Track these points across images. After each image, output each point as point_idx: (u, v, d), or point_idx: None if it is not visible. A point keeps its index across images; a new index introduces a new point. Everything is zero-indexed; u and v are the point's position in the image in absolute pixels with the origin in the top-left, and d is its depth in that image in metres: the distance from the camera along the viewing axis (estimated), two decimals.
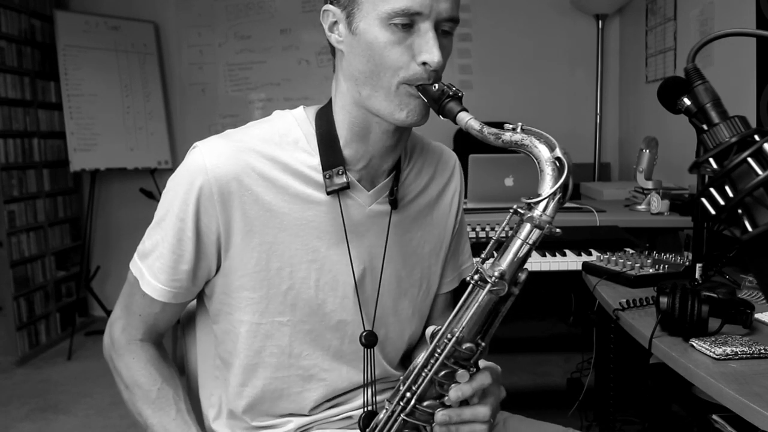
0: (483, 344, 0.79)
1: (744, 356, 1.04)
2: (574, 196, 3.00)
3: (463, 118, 0.80)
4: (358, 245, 0.94)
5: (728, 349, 1.05)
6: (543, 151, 0.74)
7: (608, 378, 1.96)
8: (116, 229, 4.11)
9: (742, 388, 0.93)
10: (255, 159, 0.88)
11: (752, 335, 1.16)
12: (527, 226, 0.75)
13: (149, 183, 3.88)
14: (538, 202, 0.74)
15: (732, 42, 2.30)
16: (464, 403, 0.82)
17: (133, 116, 3.87)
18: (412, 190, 1.00)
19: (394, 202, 0.96)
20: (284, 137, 0.91)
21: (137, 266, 0.93)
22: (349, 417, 1.00)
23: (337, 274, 0.94)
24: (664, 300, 1.15)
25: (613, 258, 1.65)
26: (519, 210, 0.76)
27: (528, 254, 0.76)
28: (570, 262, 1.96)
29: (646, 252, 1.71)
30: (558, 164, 0.74)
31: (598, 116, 3.75)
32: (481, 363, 0.84)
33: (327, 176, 0.90)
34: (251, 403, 0.97)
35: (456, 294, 1.15)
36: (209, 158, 0.87)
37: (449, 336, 0.78)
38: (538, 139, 0.75)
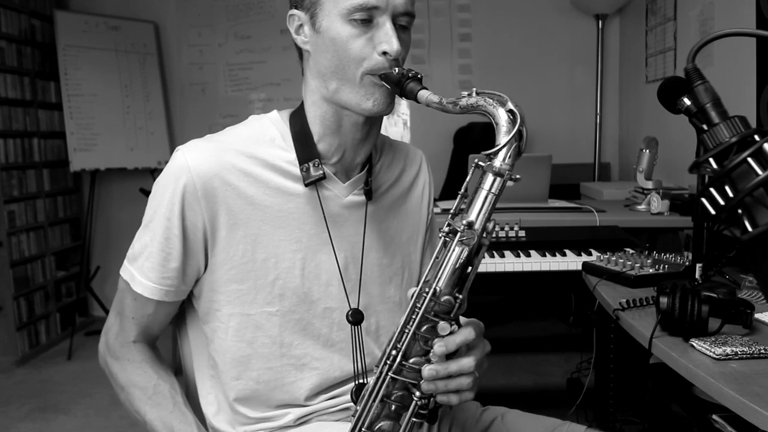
0: (461, 297, 0.81)
1: (744, 356, 1.04)
2: (574, 196, 3.00)
3: (424, 94, 0.85)
4: (338, 235, 0.99)
5: (728, 349, 1.05)
6: (497, 108, 0.79)
7: (608, 378, 1.96)
8: (116, 229, 4.11)
9: (742, 388, 0.93)
10: (235, 156, 0.93)
11: (752, 335, 1.16)
12: (489, 176, 0.79)
13: (149, 183, 3.88)
14: (497, 152, 0.78)
15: (732, 42, 2.30)
16: (450, 357, 0.82)
17: (133, 116, 3.87)
18: (384, 182, 1.06)
19: (368, 193, 1.01)
20: (261, 136, 0.97)
21: (127, 270, 0.97)
22: (347, 408, 1.02)
23: (320, 263, 0.98)
24: (664, 300, 1.16)
25: (613, 258, 1.65)
26: (480, 163, 0.79)
27: (494, 203, 0.79)
28: (570, 262, 1.96)
29: (646, 252, 1.71)
30: (511, 116, 0.78)
31: (598, 116, 3.75)
32: (463, 320, 0.85)
33: (304, 169, 0.95)
34: (247, 395, 0.99)
35: None
36: (191, 158, 0.91)
37: (426, 290, 0.80)
38: (492, 98, 0.80)
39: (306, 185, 0.95)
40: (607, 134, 3.87)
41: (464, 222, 0.78)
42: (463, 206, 0.81)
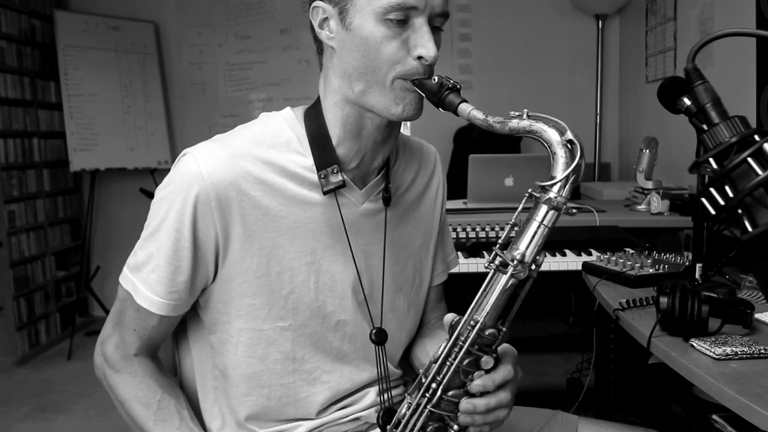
0: (504, 329, 0.79)
1: (744, 356, 1.04)
2: (574, 196, 3.00)
3: (465, 109, 0.80)
4: (353, 244, 0.94)
5: (728, 349, 1.04)
6: (553, 135, 0.74)
7: (608, 378, 1.96)
8: (116, 229, 4.11)
9: (742, 388, 0.93)
10: (250, 163, 0.87)
11: (752, 335, 1.16)
12: (543, 208, 0.75)
13: (149, 183, 3.88)
14: (553, 185, 0.74)
15: (732, 42, 2.30)
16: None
17: (133, 116, 3.87)
18: (400, 186, 1.01)
19: (387, 200, 0.96)
20: (275, 139, 0.90)
21: (129, 280, 0.91)
22: (357, 418, 1.00)
23: (334, 275, 0.94)
24: (664, 300, 1.15)
25: (613, 258, 1.65)
26: (534, 194, 0.76)
27: (545, 236, 0.76)
28: (570, 262, 1.96)
29: (646, 252, 1.71)
30: (570, 146, 0.74)
31: (598, 116, 3.75)
32: (499, 348, 0.84)
33: (322, 176, 0.89)
34: (257, 411, 0.95)
35: (445, 288, 1.17)
36: (204, 165, 0.85)
37: (472, 323, 0.78)
38: (546, 124, 0.75)
39: (324, 193, 0.90)
40: (607, 134, 3.87)
41: (516, 256, 0.75)
42: (511, 236, 0.78)
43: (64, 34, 3.65)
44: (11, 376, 3.24)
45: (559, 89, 3.89)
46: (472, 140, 3.69)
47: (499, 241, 0.78)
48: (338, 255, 0.93)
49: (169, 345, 1.07)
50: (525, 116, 0.76)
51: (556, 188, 0.75)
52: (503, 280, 0.77)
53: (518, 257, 0.75)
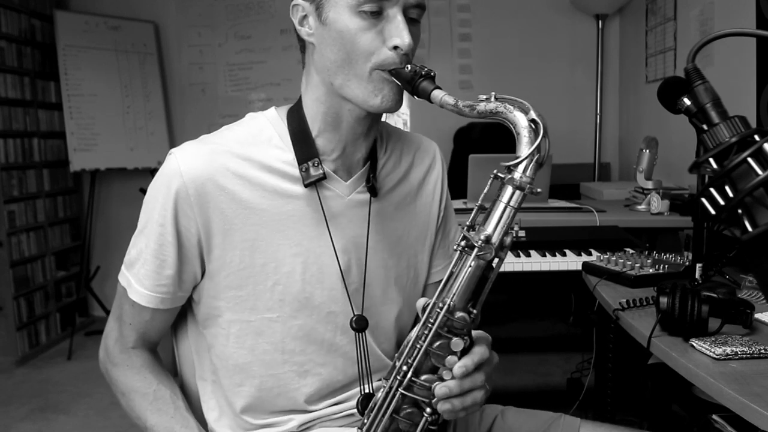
0: (475, 312, 0.79)
1: (744, 356, 1.04)
2: (574, 196, 3.00)
3: (438, 95, 0.81)
4: (341, 236, 0.95)
5: (728, 349, 1.05)
6: (518, 116, 0.76)
7: (608, 378, 1.96)
8: (116, 229, 4.11)
9: (742, 388, 0.93)
10: (229, 159, 0.90)
11: (752, 335, 1.16)
12: (509, 189, 0.76)
13: (149, 183, 3.87)
14: (518, 165, 0.75)
15: (732, 42, 2.30)
16: None
17: (133, 116, 3.87)
18: (391, 179, 1.02)
19: (372, 190, 0.97)
20: (257, 136, 0.93)
21: (124, 276, 0.95)
22: (351, 414, 1.01)
23: (322, 266, 0.95)
24: (664, 300, 1.15)
25: (613, 258, 1.65)
26: (499, 174, 0.77)
27: (512, 217, 0.77)
28: (570, 262, 1.96)
29: (646, 252, 1.71)
30: (533, 126, 0.75)
31: (598, 116, 3.75)
32: (473, 334, 0.84)
33: (303, 169, 0.92)
34: (250, 402, 0.97)
35: None
36: (183, 162, 0.89)
37: (441, 305, 0.78)
38: (512, 105, 0.77)
39: (306, 186, 0.92)
40: (607, 134, 3.88)
41: (481, 237, 0.76)
42: (479, 219, 0.78)
43: (64, 34, 3.65)
44: (11, 376, 3.24)
45: (559, 89, 3.89)
46: (472, 140, 3.69)
47: (467, 223, 0.79)
48: (326, 246, 0.95)
49: (169, 345, 1.08)
50: (492, 99, 0.77)
51: (520, 168, 0.75)
52: (469, 261, 0.77)
53: (484, 238, 0.76)
